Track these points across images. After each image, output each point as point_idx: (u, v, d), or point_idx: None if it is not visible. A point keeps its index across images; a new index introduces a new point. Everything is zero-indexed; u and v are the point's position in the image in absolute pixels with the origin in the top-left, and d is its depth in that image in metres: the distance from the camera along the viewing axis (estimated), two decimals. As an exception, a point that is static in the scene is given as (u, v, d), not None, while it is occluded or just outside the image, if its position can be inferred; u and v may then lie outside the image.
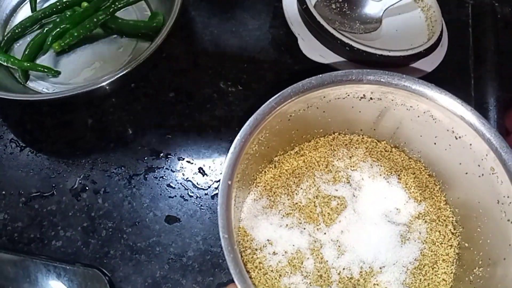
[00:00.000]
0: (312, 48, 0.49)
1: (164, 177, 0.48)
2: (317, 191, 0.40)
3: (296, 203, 0.39)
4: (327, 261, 0.37)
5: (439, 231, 0.38)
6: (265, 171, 0.41)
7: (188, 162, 0.48)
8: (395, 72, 0.36)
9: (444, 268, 0.37)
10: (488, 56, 0.54)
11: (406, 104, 0.38)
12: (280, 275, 0.36)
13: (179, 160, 0.49)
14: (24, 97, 0.46)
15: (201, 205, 0.46)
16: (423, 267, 0.37)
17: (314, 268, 0.37)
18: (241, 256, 0.36)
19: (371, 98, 0.38)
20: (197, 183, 0.47)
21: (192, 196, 0.47)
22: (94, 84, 0.45)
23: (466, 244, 0.37)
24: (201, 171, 0.48)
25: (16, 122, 0.51)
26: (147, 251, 0.44)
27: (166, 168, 0.48)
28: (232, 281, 0.30)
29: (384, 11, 0.51)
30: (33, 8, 0.56)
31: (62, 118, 0.51)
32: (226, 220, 0.32)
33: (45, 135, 0.50)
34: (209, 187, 0.47)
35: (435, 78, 0.51)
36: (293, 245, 0.37)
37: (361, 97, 0.38)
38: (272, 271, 0.36)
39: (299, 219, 0.38)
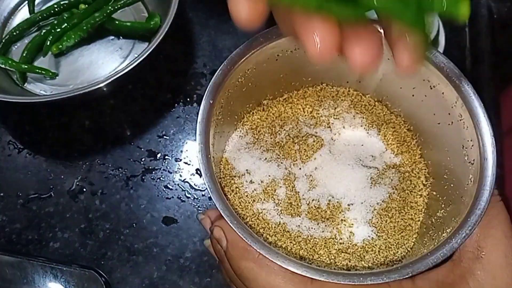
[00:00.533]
0: None
1: (161, 178, 0.48)
2: (298, 132, 0.41)
3: (278, 142, 0.41)
4: (298, 192, 0.38)
5: (411, 181, 0.40)
6: (252, 113, 0.42)
7: (185, 163, 0.49)
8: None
9: (411, 214, 0.38)
10: (485, 56, 0.54)
11: (387, 54, 0.38)
12: (254, 201, 0.38)
13: (176, 161, 0.49)
14: (22, 99, 0.47)
15: (198, 206, 0.46)
16: (390, 210, 0.38)
17: (286, 197, 0.38)
18: (220, 180, 0.38)
19: None
20: (194, 184, 0.47)
21: (189, 197, 0.47)
22: (92, 85, 0.45)
23: (434, 193, 0.39)
24: (198, 172, 0.48)
25: (14, 124, 0.51)
26: (145, 252, 0.44)
27: (164, 170, 0.48)
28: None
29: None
30: (31, 11, 0.56)
31: (60, 120, 0.51)
32: (204, 135, 0.33)
33: (43, 137, 0.50)
34: (206, 188, 0.47)
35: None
36: (269, 176, 0.39)
37: None
38: (247, 196, 0.38)
39: (278, 155, 0.40)
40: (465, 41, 0.56)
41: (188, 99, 0.52)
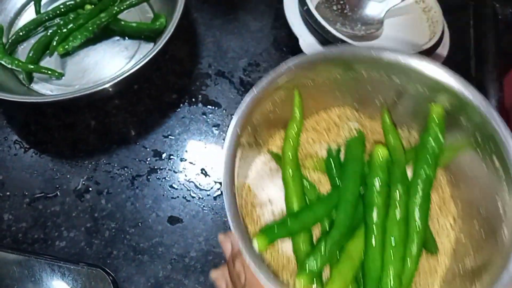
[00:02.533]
0: (313, 49, 0.50)
1: (166, 178, 0.48)
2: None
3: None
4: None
5: (438, 221, 0.39)
6: (277, 137, 0.42)
7: (191, 163, 0.49)
8: (414, 54, 0.36)
9: (436, 256, 0.37)
10: (489, 57, 0.54)
11: (422, 89, 0.37)
12: None
13: (181, 161, 0.49)
14: (28, 99, 0.47)
15: (204, 206, 0.46)
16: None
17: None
18: (241, 207, 0.37)
19: (388, 77, 0.38)
20: (199, 184, 0.48)
21: (195, 197, 0.47)
22: (97, 86, 0.45)
23: (463, 238, 0.37)
24: (203, 172, 0.48)
25: (20, 124, 0.52)
26: (150, 251, 0.44)
27: (169, 169, 0.48)
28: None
29: (386, 12, 0.52)
30: (37, 11, 0.56)
31: (66, 120, 0.51)
32: (230, 164, 0.32)
33: (49, 136, 0.50)
34: (211, 188, 0.47)
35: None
36: None
37: (380, 75, 0.38)
38: None
39: None
40: (470, 41, 0.57)
41: (193, 100, 0.52)
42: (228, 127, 0.50)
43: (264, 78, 0.35)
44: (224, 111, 0.52)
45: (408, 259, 0.34)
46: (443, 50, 0.51)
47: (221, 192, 0.46)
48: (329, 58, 0.36)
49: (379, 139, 0.42)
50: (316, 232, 0.37)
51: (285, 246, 0.37)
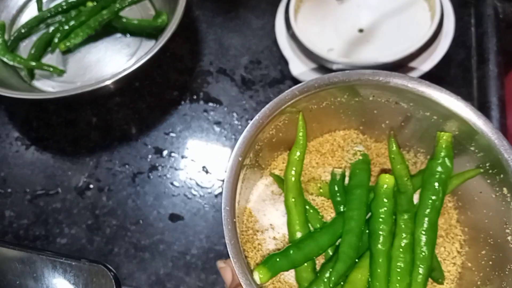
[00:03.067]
0: (303, 73, 0.50)
1: (167, 175, 0.48)
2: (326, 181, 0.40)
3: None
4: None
5: (445, 247, 0.38)
6: (280, 158, 0.41)
7: (192, 160, 0.49)
8: (422, 79, 0.36)
9: (442, 285, 0.37)
10: (490, 56, 0.54)
11: (430, 115, 0.37)
12: None
13: (182, 158, 0.49)
14: (30, 95, 0.47)
15: (205, 204, 0.47)
16: None
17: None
18: (242, 235, 0.37)
19: (396, 103, 0.38)
20: (200, 181, 0.48)
21: (196, 195, 0.47)
22: (99, 83, 0.45)
23: (469, 265, 0.37)
24: (205, 169, 0.48)
25: (21, 120, 0.52)
26: (151, 248, 0.44)
27: (170, 167, 0.48)
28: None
29: None
30: (39, 8, 0.56)
31: (67, 117, 0.51)
32: (231, 193, 0.32)
33: (50, 133, 0.50)
34: (212, 185, 0.47)
35: (437, 77, 0.52)
36: None
37: (386, 101, 0.38)
38: (269, 254, 0.36)
39: None
40: (471, 40, 0.57)
41: (195, 97, 0.52)
42: (229, 124, 0.51)
43: (268, 105, 0.34)
44: (225, 108, 0.52)
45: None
46: (446, 40, 0.51)
47: (222, 189, 0.47)
48: (335, 83, 0.36)
49: (384, 161, 0.41)
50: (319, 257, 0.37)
51: (288, 274, 0.36)
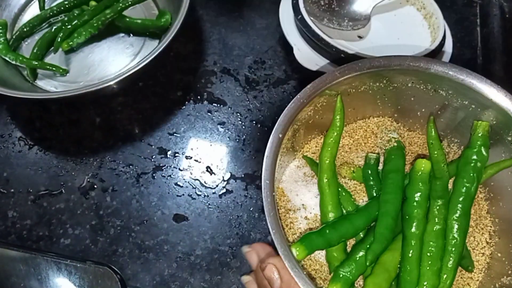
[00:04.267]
0: (308, 58, 0.49)
1: (172, 175, 0.48)
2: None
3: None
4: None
5: (474, 237, 0.38)
6: (314, 142, 0.42)
7: (196, 161, 0.49)
8: (463, 68, 0.36)
9: (471, 273, 0.37)
10: (496, 55, 0.54)
11: (469, 104, 0.37)
12: None
13: (186, 159, 0.49)
14: (33, 95, 0.47)
15: (209, 204, 0.46)
16: None
17: None
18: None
19: (434, 91, 0.38)
20: (204, 182, 0.47)
21: (200, 195, 0.47)
22: (102, 83, 0.45)
23: (499, 255, 0.37)
24: (209, 170, 0.48)
25: (24, 120, 0.51)
26: (155, 249, 0.44)
27: (174, 167, 0.48)
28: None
29: (373, 8, 0.51)
30: (42, 7, 0.56)
31: (70, 117, 0.51)
32: (271, 167, 0.32)
33: (54, 133, 0.50)
34: (216, 186, 0.47)
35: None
36: None
37: (424, 88, 0.38)
38: (301, 233, 0.37)
39: None
40: (477, 40, 0.56)
41: (199, 97, 0.52)
42: (233, 124, 0.51)
43: (309, 85, 0.35)
44: (229, 108, 0.52)
45: (444, 273, 0.34)
46: (446, 55, 0.51)
47: (227, 190, 0.46)
48: (376, 67, 0.36)
49: (417, 151, 0.42)
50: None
51: (318, 253, 0.37)
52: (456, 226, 0.35)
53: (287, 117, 0.34)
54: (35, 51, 0.52)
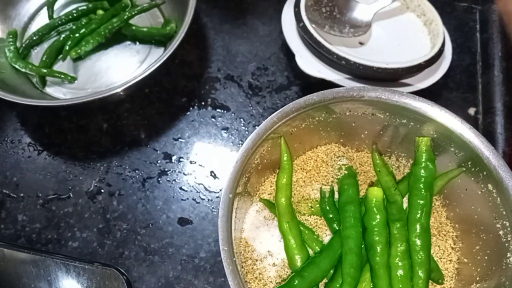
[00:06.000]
0: (310, 65, 0.50)
1: (176, 180, 0.49)
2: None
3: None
4: None
5: (439, 246, 0.39)
6: (268, 182, 0.42)
7: (200, 165, 0.50)
8: (396, 89, 0.37)
9: (443, 283, 0.38)
10: (495, 61, 0.54)
11: (407, 121, 0.38)
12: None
13: (191, 163, 0.50)
14: (42, 102, 0.48)
15: (213, 208, 0.47)
16: None
17: None
18: (242, 267, 0.37)
19: (372, 114, 0.39)
20: (208, 186, 0.49)
21: (204, 199, 0.48)
22: (109, 90, 0.46)
23: (465, 260, 0.38)
24: (213, 174, 0.49)
25: (34, 126, 0.53)
26: (161, 252, 0.45)
27: (179, 172, 0.49)
28: None
29: (374, 15, 0.52)
30: (50, 16, 0.57)
31: (78, 123, 0.52)
32: (226, 233, 0.33)
33: (62, 139, 0.52)
34: (220, 190, 0.48)
35: (443, 84, 0.52)
36: None
37: (362, 114, 0.39)
38: (271, 282, 0.37)
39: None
40: (476, 46, 0.57)
41: (203, 103, 0.53)
42: (237, 130, 0.52)
43: (249, 137, 0.36)
44: (233, 114, 0.53)
45: None
46: (446, 61, 0.51)
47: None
48: (311, 104, 0.37)
49: (368, 169, 0.42)
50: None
51: None
52: (418, 243, 0.35)
53: (234, 176, 0.35)
54: (44, 59, 0.54)
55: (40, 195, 0.48)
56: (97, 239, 0.46)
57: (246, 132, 0.52)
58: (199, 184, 0.49)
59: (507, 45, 0.55)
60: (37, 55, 0.56)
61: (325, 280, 0.37)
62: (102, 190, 0.48)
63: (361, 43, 0.53)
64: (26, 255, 0.32)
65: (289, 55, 0.56)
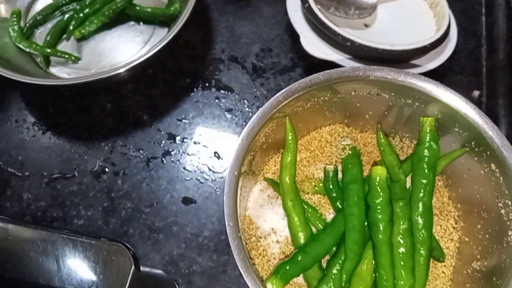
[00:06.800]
0: (314, 46, 0.50)
1: (180, 160, 0.49)
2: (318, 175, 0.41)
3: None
4: None
5: (441, 225, 0.39)
6: (272, 162, 0.42)
7: (204, 146, 0.50)
8: (401, 70, 0.37)
9: (444, 261, 0.38)
10: (500, 45, 0.54)
11: (412, 102, 0.38)
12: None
13: (195, 144, 0.50)
14: (46, 82, 0.48)
15: (216, 188, 0.48)
16: None
17: None
18: (246, 244, 0.38)
19: (377, 95, 0.39)
20: (212, 166, 0.49)
21: (208, 179, 0.48)
22: (113, 70, 0.46)
23: (467, 239, 0.38)
24: (216, 155, 0.49)
25: (38, 106, 0.53)
26: (165, 230, 0.45)
27: (183, 152, 0.50)
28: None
29: None
30: (54, -5, 0.57)
31: (82, 103, 0.52)
32: (232, 209, 0.33)
33: (66, 119, 0.52)
34: (224, 170, 0.49)
35: (447, 67, 0.52)
36: None
37: (367, 94, 0.39)
38: (275, 258, 0.38)
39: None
40: (482, 29, 0.57)
41: (207, 84, 0.53)
42: (240, 111, 0.52)
43: (255, 115, 0.36)
44: (236, 95, 0.53)
45: (417, 270, 0.35)
46: (451, 43, 0.51)
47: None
48: (316, 84, 0.37)
49: (372, 150, 0.42)
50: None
51: None
52: (421, 222, 0.36)
53: (240, 153, 0.35)
54: (48, 39, 0.54)
55: (45, 174, 0.49)
56: (102, 217, 0.46)
57: (250, 114, 0.52)
58: (203, 164, 0.49)
59: (513, 29, 0.55)
60: (41, 35, 0.56)
61: (327, 258, 0.38)
62: (107, 170, 0.49)
63: (366, 25, 0.53)
64: (33, 231, 0.33)
65: (294, 37, 0.55)
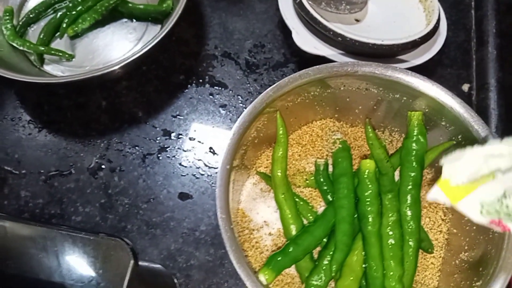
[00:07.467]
0: (306, 41, 0.51)
1: (176, 156, 0.50)
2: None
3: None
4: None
5: (430, 217, 0.40)
6: (264, 156, 0.43)
7: (199, 142, 0.51)
8: (388, 65, 0.38)
9: (433, 252, 0.39)
10: (490, 38, 0.55)
11: (400, 96, 0.39)
12: None
13: (190, 140, 0.51)
14: (40, 79, 0.48)
15: (212, 183, 0.48)
16: None
17: None
18: (239, 236, 0.39)
19: (366, 89, 0.40)
20: (207, 162, 0.50)
21: (203, 175, 0.49)
22: (107, 67, 0.46)
23: (455, 230, 0.39)
24: (211, 150, 0.50)
25: (33, 104, 0.53)
26: (162, 225, 0.46)
27: (178, 148, 0.50)
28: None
29: None
30: (46, -7, 0.57)
31: (77, 100, 0.53)
32: (224, 202, 0.34)
33: (62, 116, 0.52)
34: (219, 165, 0.49)
35: (437, 60, 0.53)
36: None
37: (356, 88, 0.40)
38: (267, 250, 0.39)
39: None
40: (471, 23, 0.58)
41: (201, 80, 0.54)
42: (234, 107, 0.52)
43: (246, 111, 0.37)
44: (230, 91, 0.53)
45: (406, 261, 0.36)
46: (440, 38, 0.52)
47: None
48: (306, 79, 0.38)
49: (362, 144, 0.43)
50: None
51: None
52: (409, 214, 0.36)
53: (231, 148, 0.35)
54: (41, 37, 0.54)
55: (42, 171, 0.49)
56: (100, 213, 0.47)
57: (244, 109, 0.52)
58: (198, 160, 0.50)
59: (501, 22, 0.56)
60: (34, 33, 0.56)
61: (319, 249, 0.38)
62: (103, 166, 0.49)
63: (357, 20, 0.54)
64: (32, 228, 0.33)
65: (286, 33, 0.56)
